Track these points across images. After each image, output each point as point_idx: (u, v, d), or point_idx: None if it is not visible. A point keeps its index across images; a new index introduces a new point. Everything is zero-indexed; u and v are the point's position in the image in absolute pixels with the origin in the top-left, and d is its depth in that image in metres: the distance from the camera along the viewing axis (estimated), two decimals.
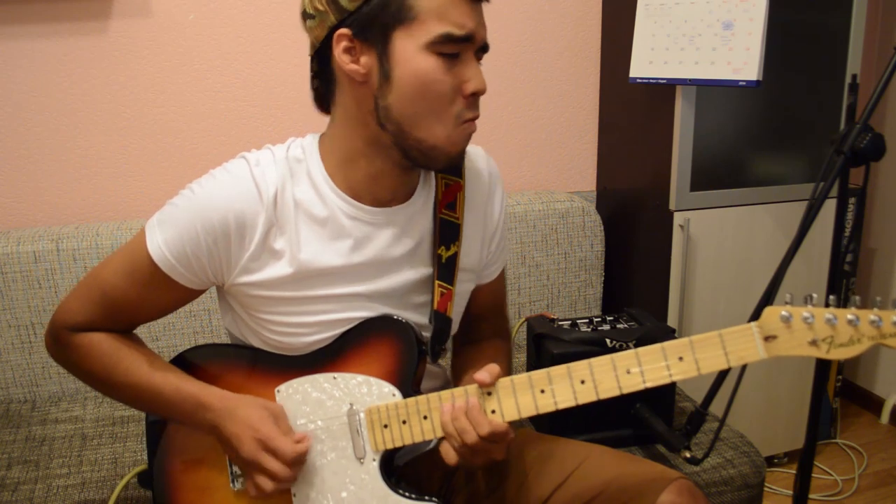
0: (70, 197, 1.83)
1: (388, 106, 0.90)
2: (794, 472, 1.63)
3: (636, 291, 2.02)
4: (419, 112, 0.90)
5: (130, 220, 1.80)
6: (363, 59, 0.90)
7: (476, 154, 1.11)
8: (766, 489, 1.98)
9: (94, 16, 1.74)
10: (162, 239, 0.94)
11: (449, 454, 0.93)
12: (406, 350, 0.97)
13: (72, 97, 1.77)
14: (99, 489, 1.33)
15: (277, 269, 0.95)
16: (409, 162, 0.94)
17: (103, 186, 1.84)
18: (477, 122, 0.94)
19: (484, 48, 0.93)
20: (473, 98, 0.92)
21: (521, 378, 0.91)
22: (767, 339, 0.82)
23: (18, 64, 1.72)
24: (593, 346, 1.41)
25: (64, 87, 1.76)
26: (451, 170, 1.05)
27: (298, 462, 0.94)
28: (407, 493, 0.95)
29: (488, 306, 1.18)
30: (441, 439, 0.95)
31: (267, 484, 0.93)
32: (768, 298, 1.16)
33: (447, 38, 0.87)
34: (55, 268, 1.64)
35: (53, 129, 1.78)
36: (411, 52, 0.87)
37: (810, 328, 0.80)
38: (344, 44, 0.89)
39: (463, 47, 0.89)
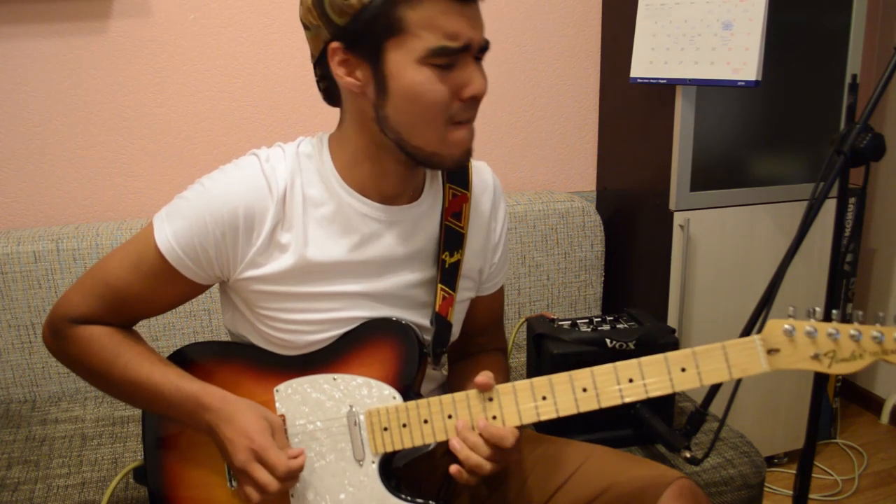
0: (70, 197, 1.83)
1: (386, 116, 0.90)
2: (794, 472, 1.63)
3: (636, 291, 2.02)
4: (415, 122, 0.90)
5: (130, 220, 1.80)
6: (358, 73, 0.90)
7: (482, 169, 1.12)
8: (766, 489, 1.98)
9: (94, 16, 1.74)
10: (171, 231, 0.94)
11: (462, 475, 0.92)
12: (407, 353, 0.97)
13: (72, 97, 1.77)
14: (99, 489, 1.33)
15: (283, 262, 0.96)
16: (415, 162, 0.95)
17: (103, 186, 1.84)
18: (478, 122, 0.94)
19: (484, 48, 0.91)
20: (472, 101, 0.91)
21: (522, 384, 0.91)
22: (770, 352, 0.82)
23: (18, 64, 1.72)
24: (593, 346, 1.41)
25: (64, 87, 1.76)
26: (458, 180, 1.06)
27: (290, 478, 0.92)
28: (406, 497, 0.95)
29: (486, 321, 1.18)
30: (439, 442, 0.95)
31: (254, 494, 0.91)
32: (768, 298, 1.16)
33: (441, 52, 0.85)
34: (55, 268, 1.64)
35: (53, 129, 1.77)
36: (404, 66, 0.86)
37: (813, 342, 0.80)
38: (338, 57, 0.89)
39: (459, 56, 0.87)
